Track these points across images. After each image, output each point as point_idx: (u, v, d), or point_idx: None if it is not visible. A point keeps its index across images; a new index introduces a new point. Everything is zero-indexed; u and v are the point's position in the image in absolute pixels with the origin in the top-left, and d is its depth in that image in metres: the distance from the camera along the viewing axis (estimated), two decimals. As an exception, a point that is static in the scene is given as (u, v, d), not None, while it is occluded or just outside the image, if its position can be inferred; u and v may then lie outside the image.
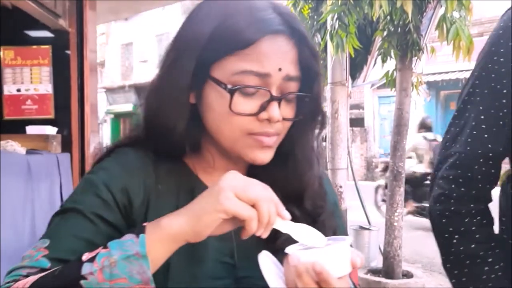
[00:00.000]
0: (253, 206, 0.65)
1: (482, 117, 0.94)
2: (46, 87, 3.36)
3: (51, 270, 0.65)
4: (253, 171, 0.81)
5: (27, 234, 2.34)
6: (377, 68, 4.70)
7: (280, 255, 0.72)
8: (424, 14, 3.98)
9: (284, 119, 0.77)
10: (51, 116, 3.37)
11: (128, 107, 20.54)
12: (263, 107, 0.75)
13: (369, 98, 16.01)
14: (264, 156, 0.77)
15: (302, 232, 0.69)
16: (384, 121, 15.87)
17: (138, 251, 0.61)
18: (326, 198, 0.86)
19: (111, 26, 20.34)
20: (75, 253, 0.68)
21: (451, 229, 0.98)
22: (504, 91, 0.92)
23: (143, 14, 16.26)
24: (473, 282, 0.97)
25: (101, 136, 17.36)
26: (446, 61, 5.72)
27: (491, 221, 1.00)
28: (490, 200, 1.01)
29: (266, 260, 0.71)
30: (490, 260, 0.95)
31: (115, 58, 21.62)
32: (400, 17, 3.76)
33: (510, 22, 0.94)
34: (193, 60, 0.75)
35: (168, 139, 0.77)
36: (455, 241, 0.97)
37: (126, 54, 21.41)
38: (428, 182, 6.58)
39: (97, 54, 3.76)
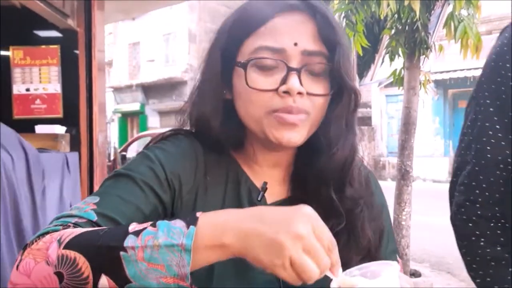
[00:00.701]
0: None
1: (498, 126, 1.02)
2: (55, 87, 3.39)
3: (98, 228, 0.64)
4: (297, 164, 0.82)
5: (37, 231, 2.36)
6: (385, 67, 4.69)
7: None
8: (432, 12, 3.96)
9: (309, 93, 0.75)
10: (60, 115, 3.39)
11: (135, 106, 20.61)
12: (283, 81, 0.74)
13: (377, 96, 15.95)
14: (290, 136, 0.75)
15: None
16: (391, 120, 15.81)
17: (184, 243, 0.57)
18: (373, 199, 0.84)
19: (118, 25, 20.41)
20: (122, 215, 0.69)
21: (477, 232, 1.03)
22: None
23: (150, 14, 16.30)
24: (498, 283, 1.03)
25: (109, 135, 17.45)
26: (455, 59, 5.69)
27: None
28: None
29: None
30: None
31: (122, 57, 21.71)
32: (408, 15, 3.75)
33: None
34: (218, 52, 0.79)
35: (209, 135, 0.79)
36: (482, 243, 1.03)
37: (134, 54, 21.47)
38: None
39: (105, 53, 3.77)
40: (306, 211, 0.61)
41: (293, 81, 0.73)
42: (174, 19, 18.29)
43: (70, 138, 3.19)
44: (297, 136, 0.75)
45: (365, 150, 15.20)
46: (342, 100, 0.78)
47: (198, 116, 0.81)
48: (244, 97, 0.76)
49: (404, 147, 4.09)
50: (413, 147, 4.13)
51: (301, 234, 0.57)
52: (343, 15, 3.86)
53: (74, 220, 0.67)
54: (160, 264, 0.57)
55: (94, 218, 0.68)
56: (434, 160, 14.52)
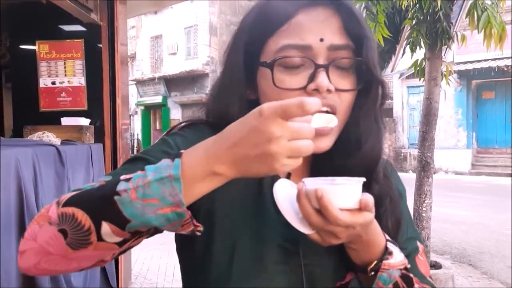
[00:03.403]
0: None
1: None
2: (79, 80, 3.47)
3: (93, 187, 0.67)
4: (318, 157, 0.81)
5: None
6: (406, 58, 4.64)
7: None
8: (455, 1, 3.91)
9: (337, 90, 0.74)
10: (85, 107, 3.47)
11: (157, 99, 20.82)
12: (311, 79, 0.73)
13: (398, 88, 15.76)
14: (320, 143, 0.72)
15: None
16: (413, 111, 15.63)
17: (172, 174, 0.60)
18: (393, 187, 0.83)
19: (141, 19, 20.59)
20: None
21: None
22: None
23: (172, 7, 16.39)
24: None
25: (132, 127, 17.70)
26: (478, 50, 5.59)
27: None
28: None
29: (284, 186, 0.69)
30: None
31: (145, 50, 21.91)
32: (430, 5, 3.71)
33: None
34: (241, 52, 0.78)
35: None
36: None
37: (156, 47, 21.66)
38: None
39: (128, 47, 3.83)
40: (261, 113, 0.58)
41: (322, 78, 0.72)
42: (195, 12, 18.37)
43: (94, 129, 3.27)
44: (326, 142, 0.74)
45: (386, 142, 15.07)
46: (371, 94, 0.77)
47: (220, 115, 0.80)
48: (271, 97, 0.73)
49: (425, 139, 4.06)
50: (434, 139, 4.09)
51: (277, 134, 0.57)
52: (363, 5, 3.85)
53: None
54: (154, 198, 0.60)
55: None
56: (456, 152, 14.32)
